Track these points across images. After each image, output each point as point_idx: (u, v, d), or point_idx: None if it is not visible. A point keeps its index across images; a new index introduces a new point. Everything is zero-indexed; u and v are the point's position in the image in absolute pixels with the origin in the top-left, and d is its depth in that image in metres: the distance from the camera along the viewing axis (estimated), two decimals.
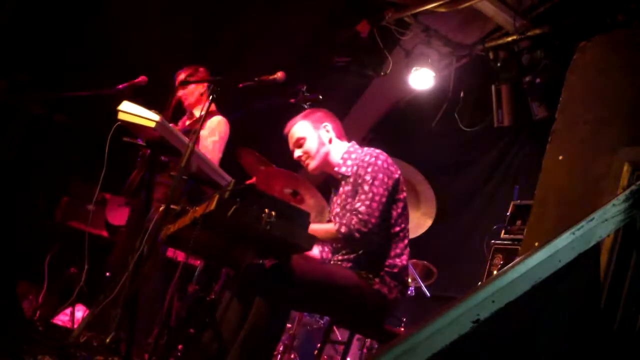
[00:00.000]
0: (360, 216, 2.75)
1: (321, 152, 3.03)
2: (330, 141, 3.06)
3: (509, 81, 5.53)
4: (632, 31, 2.12)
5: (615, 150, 1.77)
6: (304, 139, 3.04)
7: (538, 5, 5.12)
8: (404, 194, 2.97)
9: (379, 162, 2.86)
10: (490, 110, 5.69)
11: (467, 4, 4.96)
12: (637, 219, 1.57)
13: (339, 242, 2.86)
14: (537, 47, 5.25)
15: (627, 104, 1.86)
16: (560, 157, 1.92)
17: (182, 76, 4.16)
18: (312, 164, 3.04)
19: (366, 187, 2.81)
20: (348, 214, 2.82)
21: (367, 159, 2.89)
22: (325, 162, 3.05)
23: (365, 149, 3.00)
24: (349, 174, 2.95)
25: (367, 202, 2.78)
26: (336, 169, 3.02)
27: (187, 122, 4.21)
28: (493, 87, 5.62)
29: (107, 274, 3.61)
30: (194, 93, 4.17)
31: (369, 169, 2.84)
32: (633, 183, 1.63)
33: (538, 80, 5.25)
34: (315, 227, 2.87)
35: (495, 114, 5.65)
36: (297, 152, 3.07)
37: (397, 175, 2.91)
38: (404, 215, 2.95)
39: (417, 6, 5.30)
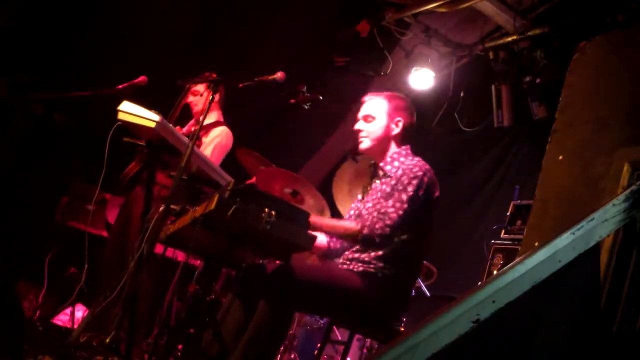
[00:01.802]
0: (388, 221, 2.71)
1: (381, 141, 2.96)
2: (395, 137, 2.98)
3: (509, 81, 5.53)
4: (632, 31, 2.12)
5: (615, 150, 1.77)
6: (373, 117, 2.97)
7: (538, 5, 5.12)
8: (434, 213, 2.93)
9: (425, 179, 2.81)
10: (490, 110, 5.69)
11: (467, 4, 4.96)
12: (637, 219, 1.57)
13: (356, 242, 2.81)
14: (537, 47, 5.24)
15: (627, 104, 1.86)
16: (560, 157, 1.92)
17: (197, 87, 4.14)
18: (365, 145, 2.97)
19: (404, 197, 2.76)
20: (373, 216, 2.77)
21: (415, 170, 2.82)
22: (378, 151, 2.98)
23: (417, 159, 2.93)
24: (392, 175, 2.88)
25: (400, 212, 2.73)
26: (382, 164, 2.96)
27: (193, 128, 4.21)
28: (493, 87, 5.62)
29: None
30: (203, 102, 4.15)
31: (414, 182, 2.78)
32: (633, 183, 1.63)
33: (538, 80, 5.25)
34: (335, 223, 2.87)
35: (495, 114, 5.65)
36: (360, 125, 2.99)
37: (435, 196, 2.87)
38: (429, 235, 2.93)
39: (417, 6, 5.30)
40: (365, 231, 2.71)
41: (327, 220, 2.98)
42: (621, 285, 1.60)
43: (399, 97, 3.07)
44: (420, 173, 2.81)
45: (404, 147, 3.00)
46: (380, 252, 2.78)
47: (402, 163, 2.91)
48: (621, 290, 1.60)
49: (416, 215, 2.78)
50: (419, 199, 2.78)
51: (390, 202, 2.77)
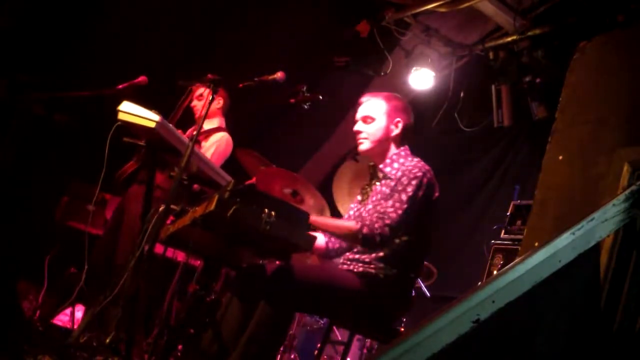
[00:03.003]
0: (387, 221, 2.70)
1: (380, 142, 2.95)
2: (395, 138, 2.98)
3: (509, 81, 5.53)
4: (632, 31, 2.12)
5: (615, 150, 1.77)
6: (372, 119, 2.96)
7: (538, 5, 5.12)
8: (434, 214, 2.93)
9: (425, 180, 2.80)
10: (490, 110, 5.69)
11: (467, 4, 4.96)
12: (637, 219, 1.57)
13: (356, 242, 2.80)
14: (537, 47, 5.24)
15: (627, 104, 1.86)
16: (560, 157, 1.92)
17: (200, 90, 4.14)
18: (365, 147, 2.96)
19: (404, 197, 2.75)
20: (373, 216, 2.76)
21: (415, 171, 2.81)
22: (378, 153, 2.97)
23: (416, 160, 2.92)
24: (392, 176, 2.88)
25: (400, 212, 2.72)
26: (381, 165, 2.96)
27: (195, 133, 4.21)
28: (493, 87, 5.62)
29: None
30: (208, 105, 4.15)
31: (414, 182, 2.78)
32: (633, 183, 1.63)
33: (538, 80, 5.25)
34: (337, 223, 2.87)
35: (495, 114, 5.65)
36: (359, 126, 2.98)
37: (434, 197, 2.87)
38: (429, 236, 2.93)
39: (417, 6, 5.30)
40: (365, 230, 2.70)
41: (328, 220, 2.98)
42: (621, 285, 1.60)
43: (397, 97, 3.07)
44: (419, 174, 2.81)
45: (402, 147, 3.00)
46: (381, 253, 2.78)
47: (401, 164, 2.90)
48: (621, 290, 1.60)
49: (416, 216, 2.78)
50: (419, 200, 2.77)
51: (390, 203, 2.76)
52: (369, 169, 3.08)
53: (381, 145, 2.97)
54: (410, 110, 3.07)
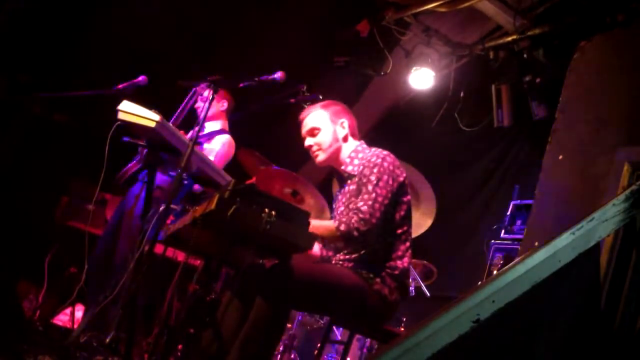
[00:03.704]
0: (361, 215, 2.74)
1: (333, 147, 3.02)
2: (345, 139, 3.05)
3: (509, 81, 5.53)
4: (632, 31, 2.12)
5: (615, 150, 1.77)
6: (318, 129, 3.03)
7: (538, 5, 5.12)
8: (409, 197, 2.96)
9: (385, 164, 2.85)
10: (490, 110, 5.69)
11: (467, 4, 4.96)
12: (637, 219, 1.57)
13: (338, 240, 2.85)
14: (537, 47, 5.25)
15: (627, 104, 1.86)
16: (560, 157, 1.92)
17: (205, 93, 4.14)
18: (321, 157, 3.03)
19: (370, 187, 2.80)
20: (349, 213, 2.81)
21: (373, 159, 2.88)
22: (335, 158, 3.04)
23: (373, 149, 2.98)
24: (355, 173, 2.94)
25: (370, 202, 2.77)
26: (343, 167, 3.02)
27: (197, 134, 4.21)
28: (493, 87, 5.62)
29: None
30: (213, 107, 4.15)
31: (375, 170, 2.83)
32: (633, 183, 1.63)
33: (538, 80, 5.25)
34: (316, 224, 2.87)
35: (495, 114, 5.65)
36: (309, 141, 3.05)
37: (402, 178, 2.90)
38: (407, 218, 2.94)
39: (417, 6, 5.30)
40: (343, 227, 2.74)
41: (312, 221, 2.99)
42: (621, 285, 1.60)
43: (333, 102, 3.14)
44: (379, 161, 2.86)
45: (358, 143, 3.07)
46: (368, 248, 2.81)
47: (361, 159, 2.97)
48: (621, 290, 1.60)
49: (388, 201, 2.80)
50: (385, 184, 2.81)
51: (360, 197, 2.82)
52: (335, 175, 3.13)
53: (335, 151, 3.03)
54: (348, 108, 3.14)
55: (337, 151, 3.04)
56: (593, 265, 1.58)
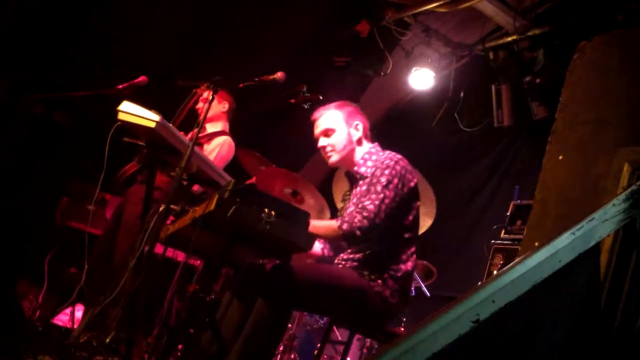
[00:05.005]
0: (365, 213, 2.73)
1: (347, 149, 3.01)
2: (359, 141, 3.04)
3: (509, 81, 5.53)
4: (632, 31, 2.12)
5: (615, 150, 1.77)
6: (333, 130, 3.02)
7: (538, 5, 5.12)
8: (419, 202, 2.95)
9: (398, 167, 2.84)
10: (490, 110, 5.69)
11: (467, 4, 4.96)
12: (637, 219, 1.57)
13: (339, 239, 2.84)
14: (537, 47, 5.25)
15: (627, 104, 1.86)
16: (560, 157, 1.92)
17: (205, 93, 4.14)
18: (334, 158, 3.02)
19: (379, 188, 2.79)
20: (353, 212, 2.80)
21: (386, 162, 2.87)
22: (348, 159, 3.03)
23: (387, 152, 2.98)
24: (367, 175, 2.93)
25: (377, 202, 2.75)
26: (355, 168, 3.01)
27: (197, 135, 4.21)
28: (493, 87, 5.63)
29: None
30: (213, 108, 4.15)
31: (386, 172, 2.82)
32: (633, 183, 1.63)
33: (538, 80, 5.25)
34: (316, 224, 2.87)
35: (495, 114, 5.65)
36: (323, 142, 3.04)
37: (413, 184, 2.89)
38: (415, 224, 2.94)
39: (417, 6, 5.30)
40: (345, 227, 2.74)
41: (312, 221, 2.98)
42: (621, 285, 1.60)
43: (348, 103, 3.14)
44: (391, 163, 2.85)
45: (372, 145, 3.06)
46: (373, 250, 2.80)
47: (374, 161, 2.96)
48: (621, 290, 1.60)
49: (396, 204, 2.80)
50: (394, 187, 2.81)
51: (367, 197, 2.81)
52: (346, 176, 3.12)
53: (349, 153, 3.02)
54: (362, 112, 3.14)
55: (351, 153, 3.02)
56: (593, 265, 1.58)
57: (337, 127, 3.02)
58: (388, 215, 2.76)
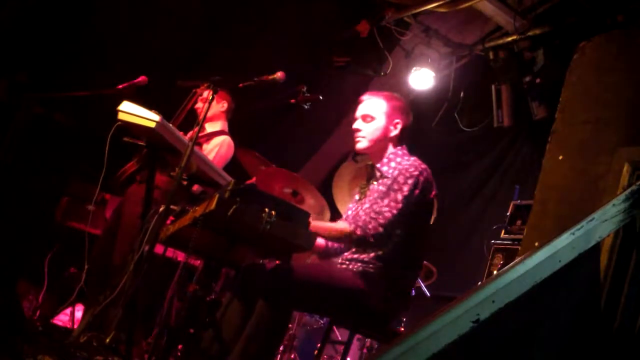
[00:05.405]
0: (381, 220, 2.70)
1: (378, 142, 2.95)
2: (393, 138, 2.97)
3: (509, 81, 5.53)
4: (632, 31, 2.12)
5: (615, 150, 1.77)
6: (373, 118, 2.95)
7: (538, 5, 5.12)
8: (434, 215, 2.93)
9: (421, 178, 2.80)
10: (490, 110, 5.69)
11: (467, 4, 4.96)
12: (637, 219, 1.57)
13: (351, 243, 2.81)
14: (537, 47, 5.25)
15: (627, 104, 1.86)
16: (560, 157, 1.92)
17: (205, 93, 4.14)
18: (362, 145, 2.96)
19: (399, 196, 2.75)
20: (369, 215, 2.76)
21: (411, 170, 2.81)
22: (374, 151, 2.97)
23: (413, 158, 2.92)
24: (389, 175, 2.88)
25: (395, 212, 2.72)
26: (378, 165, 2.95)
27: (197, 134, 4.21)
28: (493, 87, 5.62)
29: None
30: (213, 108, 4.14)
31: (409, 181, 2.78)
32: (633, 183, 1.63)
33: (538, 80, 5.25)
34: (329, 226, 2.86)
35: (495, 114, 5.65)
36: (358, 124, 2.97)
37: (432, 195, 2.87)
38: (427, 233, 2.92)
39: (417, 6, 5.30)
40: (359, 232, 2.70)
41: (322, 224, 2.95)
42: (621, 285, 1.60)
43: (397, 97, 3.06)
44: (416, 173, 2.81)
45: (400, 147, 3.00)
46: (379, 252, 2.78)
47: (398, 163, 2.90)
48: (621, 290, 1.60)
49: (412, 215, 2.78)
50: (415, 198, 2.78)
51: (386, 202, 2.77)
52: (367, 168, 3.09)
53: (378, 145, 2.96)
54: (410, 111, 3.06)
55: (381, 147, 2.96)
56: (593, 265, 1.58)
57: (377, 116, 2.95)
58: (404, 224, 2.74)
